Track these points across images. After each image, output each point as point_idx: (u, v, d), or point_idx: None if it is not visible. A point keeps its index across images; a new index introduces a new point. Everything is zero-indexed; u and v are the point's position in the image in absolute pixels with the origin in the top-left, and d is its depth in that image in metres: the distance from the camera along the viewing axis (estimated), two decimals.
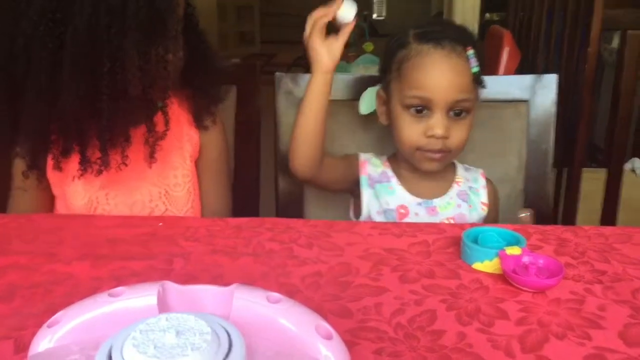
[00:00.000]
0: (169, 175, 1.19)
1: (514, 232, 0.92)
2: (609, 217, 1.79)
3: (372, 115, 1.30)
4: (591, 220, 1.67)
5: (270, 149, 1.45)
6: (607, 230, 1.01)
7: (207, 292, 0.60)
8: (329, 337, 0.55)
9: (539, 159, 1.40)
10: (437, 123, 1.15)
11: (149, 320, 0.50)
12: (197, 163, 1.25)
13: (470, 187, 1.28)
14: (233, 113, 1.44)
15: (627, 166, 2.53)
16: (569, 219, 2.14)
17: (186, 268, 0.85)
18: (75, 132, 1.06)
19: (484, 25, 4.05)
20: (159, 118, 1.10)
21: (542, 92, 1.40)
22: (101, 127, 1.04)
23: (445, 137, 1.15)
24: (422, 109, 1.16)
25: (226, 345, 0.49)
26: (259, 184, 1.51)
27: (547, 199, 1.43)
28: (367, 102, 1.30)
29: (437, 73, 1.15)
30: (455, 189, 1.27)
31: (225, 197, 1.29)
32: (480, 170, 1.32)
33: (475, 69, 1.17)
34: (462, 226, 1.02)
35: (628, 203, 1.89)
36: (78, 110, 1.02)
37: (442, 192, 1.26)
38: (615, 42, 3.06)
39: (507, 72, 2.19)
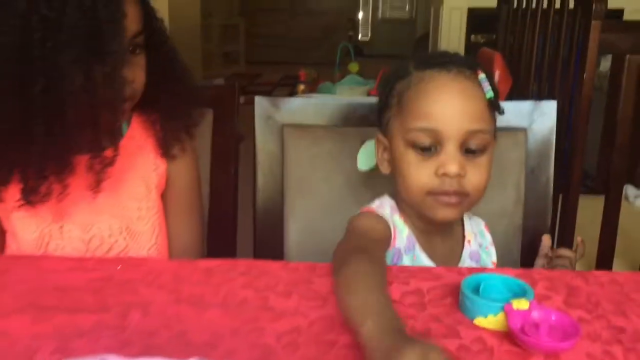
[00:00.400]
0: (130, 207, 1.07)
1: (520, 280, 0.81)
2: (606, 246, 1.71)
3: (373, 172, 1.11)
4: (588, 251, 1.58)
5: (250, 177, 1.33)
6: (621, 276, 0.91)
7: None
8: None
9: (539, 190, 1.30)
10: (449, 158, 0.94)
11: None
12: (164, 195, 1.13)
13: (480, 245, 1.13)
14: (209, 138, 1.32)
15: None
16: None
17: (143, 323, 0.74)
18: (9, 158, 0.94)
19: (469, 47, 4.00)
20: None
21: (541, 119, 1.30)
22: (37, 153, 0.92)
23: (460, 176, 0.94)
24: (431, 146, 0.95)
25: None
26: (237, 217, 1.39)
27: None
28: (367, 156, 1.11)
29: (445, 98, 0.95)
30: (467, 249, 1.10)
31: (195, 233, 1.17)
32: (483, 222, 1.16)
33: (490, 94, 0.97)
34: (459, 270, 0.92)
35: (621, 231, 1.80)
36: (9, 135, 0.91)
37: (456, 254, 1.08)
38: (603, 66, 3.00)
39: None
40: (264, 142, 1.27)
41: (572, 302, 0.81)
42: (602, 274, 0.91)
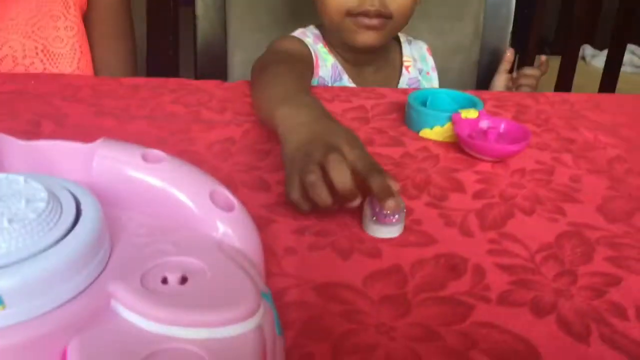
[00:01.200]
0: (46, 26, 0.96)
1: (469, 94, 0.77)
2: None
3: None
4: None
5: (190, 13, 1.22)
6: (572, 96, 0.88)
7: (59, 150, 0.42)
8: (229, 208, 0.39)
9: (498, 26, 1.23)
10: None
11: None
12: (87, 16, 1.02)
13: (420, 71, 1.07)
14: None
15: None
16: None
17: (58, 132, 0.67)
18: None
19: None
20: None
21: None
22: None
23: None
24: None
25: (71, 217, 0.33)
26: (178, 54, 1.29)
27: None
28: None
29: None
30: (405, 77, 1.05)
31: (123, 60, 1.07)
32: (425, 45, 1.09)
33: None
34: (404, 91, 0.87)
35: (576, 90, 1.78)
36: None
37: (392, 83, 1.04)
38: None
39: None
40: None
41: (521, 118, 0.78)
42: (553, 95, 0.88)
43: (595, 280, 0.45)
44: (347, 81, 0.99)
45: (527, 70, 1.06)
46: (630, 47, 2.29)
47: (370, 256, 0.47)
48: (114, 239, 0.36)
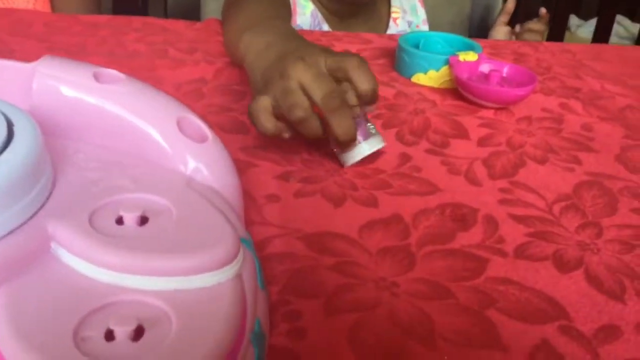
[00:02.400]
0: None
1: (465, 38, 0.70)
2: None
3: None
4: None
5: None
6: (573, 46, 0.82)
7: None
8: (201, 139, 0.32)
9: None
10: None
11: None
12: None
13: (409, 23, 1.00)
14: None
15: None
16: None
17: None
18: None
19: None
20: None
21: None
22: None
23: None
24: None
25: (0, 138, 0.26)
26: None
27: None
28: None
29: None
30: (392, 30, 0.98)
31: (84, 3, 0.98)
32: None
33: None
34: (392, 37, 0.80)
35: None
36: None
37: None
38: None
39: None
40: None
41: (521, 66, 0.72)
42: (552, 45, 0.82)
43: (623, 233, 0.39)
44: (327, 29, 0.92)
45: (533, 25, 0.99)
46: (616, 17, 2.25)
47: (365, 204, 0.40)
48: (57, 172, 0.29)
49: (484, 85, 0.59)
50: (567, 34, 2.26)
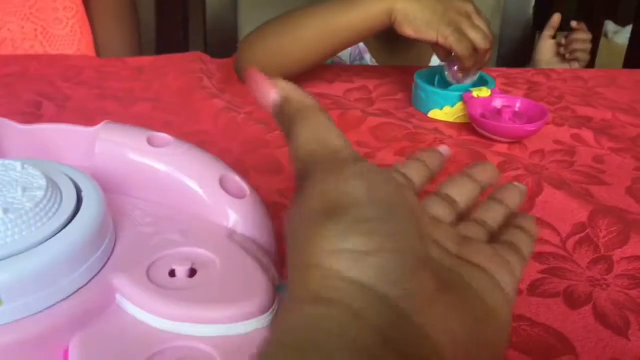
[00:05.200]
0: (46, 8, 0.93)
1: (481, 72, 0.74)
2: None
3: None
4: None
5: None
6: (586, 73, 0.85)
7: (60, 134, 0.40)
8: (240, 195, 0.36)
9: None
10: None
11: None
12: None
13: None
14: None
15: None
16: None
17: (60, 115, 0.64)
18: None
19: None
20: None
21: None
22: None
23: None
24: None
25: (71, 206, 0.30)
26: (188, 32, 1.25)
27: (524, 52, 1.23)
28: None
29: None
30: (435, 61, 0.97)
31: (128, 42, 1.04)
32: None
33: None
34: (407, 69, 0.83)
35: (599, 67, 1.73)
36: None
37: (424, 61, 0.96)
38: None
39: None
40: None
41: (533, 96, 0.75)
42: (564, 71, 0.85)
43: (632, 266, 0.42)
44: (369, 61, 0.94)
45: (580, 35, 1.00)
46: None
47: None
48: (118, 228, 0.33)
49: (497, 121, 0.62)
50: (603, 41, 2.25)
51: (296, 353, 0.19)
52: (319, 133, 0.28)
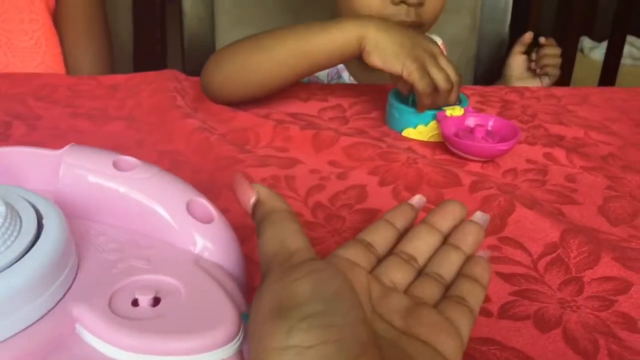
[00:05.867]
0: (12, 19, 0.92)
1: None
2: None
3: None
4: None
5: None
6: (559, 91, 0.86)
7: (24, 157, 0.39)
8: (208, 220, 0.36)
9: (496, 19, 1.19)
10: None
11: None
12: (57, 13, 0.98)
13: None
14: None
15: None
16: None
17: (30, 135, 0.63)
18: None
19: None
20: None
21: None
22: None
23: (420, 4, 0.81)
24: None
25: (31, 232, 0.30)
26: (166, 51, 1.24)
27: (500, 71, 1.23)
28: None
29: None
30: None
31: (98, 58, 1.03)
32: (440, 40, 1.03)
33: None
34: (382, 87, 0.84)
35: (575, 82, 1.75)
36: None
37: None
38: None
39: None
40: None
41: (506, 114, 0.75)
42: (538, 89, 0.86)
43: (603, 287, 0.42)
44: (347, 79, 0.95)
45: (549, 50, 1.03)
46: (629, 38, 2.25)
47: None
48: (81, 254, 0.33)
49: (469, 140, 0.62)
50: (579, 56, 2.28)
51: None
52: (280, 235, 0.31)
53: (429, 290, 0.36)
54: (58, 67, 0.96)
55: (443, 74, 0.65)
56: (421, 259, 0.38)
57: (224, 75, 0.71)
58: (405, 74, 0.65)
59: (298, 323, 0.25)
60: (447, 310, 0.34)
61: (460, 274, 0.38)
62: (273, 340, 0.25)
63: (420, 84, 0.64)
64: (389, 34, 0.66)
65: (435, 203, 0.52)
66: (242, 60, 0.70)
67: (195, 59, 1.14)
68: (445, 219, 0.41)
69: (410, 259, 0.38)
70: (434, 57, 0.66)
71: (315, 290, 0.27)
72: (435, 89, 0.65)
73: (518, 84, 1.08)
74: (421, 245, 0.39)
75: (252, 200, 0.33)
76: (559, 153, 0.64)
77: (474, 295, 0.36)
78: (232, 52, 0.71)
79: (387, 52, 0.66)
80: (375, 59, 0.66)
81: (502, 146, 0.61)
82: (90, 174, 0.36)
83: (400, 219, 0.41)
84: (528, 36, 1.07)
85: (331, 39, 0.67)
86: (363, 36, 0.66)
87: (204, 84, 0.73)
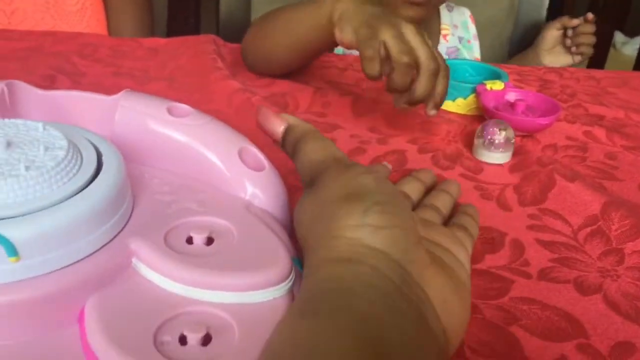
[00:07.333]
0: None
1: (492, 66, 0.74)
2: None
3: None
4: None
5: None
6: (598, 73, 0.85)
7: (80, 101, 0.40)
8: (259, 168, 0.36)
9: (534, 2, 1.19)
10: None
11: None
12: None
13: (460, 39, 1.01)
14: None
15: None
16: None
17: (74, 89, 0.64)
18: None
19: None
20: None
21: None
22: None
23: None
24: None
25: (92, 168, 0.30)
26: (200, 12, 1.25)
27: None
28: None
29: None
30: (442, 46, 0.99)
31: (140, 26, 1.04)
32: (468, 12, 1.03)
33: None
34: None
35: None
36: None
37: None
38: None
39: None
40: None
41: (545, 93, 0.75)
42: (577, 70, 0.85)
43: None
44: None
45: (585, 28, 1.02)
46: None
47: None
48: (136, 195, 0.34)
49: (510, 114, 0.62)
50: (612, 51, 2.25)
51: (335, 293, 0.26)
52: (323, 145, 0.34)
53: (431, 216, 0.41)
54: (101, 32, 0.98)
55: (403, 46, 0.52)
56: (414, 198, 0.44)
57: (255, 44, 0.71)
58: (354, 40, 0.55)
59: (373, 206, 0.28)
60: (454, 231, 0.38)
61: (454, 211, 0.44)
62: (350, 218, 0.28)
63: (364, 46, 0.53)
64: (360, 8, 0.56)
65: (475, 174, 0.53)
66: (263, 33, 0.69)
67: (230, 32, 1.14)
68: (428, 177, 0.49)
69: (405, 197, 0.43)
70: (399, 30, 0.53)
71: (378, 185, 0.30)
72: (387, 56, 0.53)
73: (548, 58, 1.07)
74: (413, 187, 0.46)
75: (282, 127, 0.35)
76: (599, 132, 0.63)
77: (471, 225, 0.41)
78: (258, 22, 0.71)
79: (350, 24, 0.56)
80: (336, 32, 0.57)
81: (543, 120, 0.61)
82: (145, 119, 0.37)
83: (425, 176, 0.48)
84: (568, 19, 1.06)
85: (308, 11, 0.62)
86: (334, 9, 0.58)
87: (243, 56, 0.74)
